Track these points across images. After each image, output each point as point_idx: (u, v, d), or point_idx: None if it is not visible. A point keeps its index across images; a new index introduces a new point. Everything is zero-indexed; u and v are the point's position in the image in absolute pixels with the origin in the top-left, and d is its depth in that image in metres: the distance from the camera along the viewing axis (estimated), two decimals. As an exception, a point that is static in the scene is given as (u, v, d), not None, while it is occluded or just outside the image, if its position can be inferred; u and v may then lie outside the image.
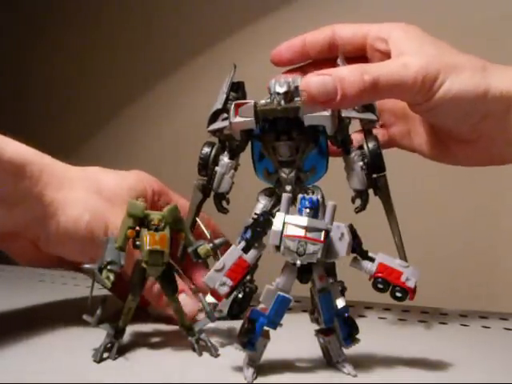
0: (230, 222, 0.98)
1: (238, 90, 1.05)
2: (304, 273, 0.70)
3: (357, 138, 0.95)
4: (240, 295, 0.99)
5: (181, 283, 0.85)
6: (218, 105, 1.04)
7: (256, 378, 0.69)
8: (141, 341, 0.84)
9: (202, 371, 0.73)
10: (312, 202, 0.70)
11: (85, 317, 0.79)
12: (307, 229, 0.68)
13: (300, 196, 0.71)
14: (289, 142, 0.96)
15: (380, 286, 0.71)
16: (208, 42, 1.84)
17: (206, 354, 0.78)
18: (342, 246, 0.70)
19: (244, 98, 1.05)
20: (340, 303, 0.73)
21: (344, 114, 0.97)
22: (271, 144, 0.98)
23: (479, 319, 1.02)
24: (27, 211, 0.84)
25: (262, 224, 0.72)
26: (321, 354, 0.76)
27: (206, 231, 0.83)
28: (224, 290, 0.71)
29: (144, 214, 0.77)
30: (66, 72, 2.18)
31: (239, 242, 0.75)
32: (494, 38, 1.41)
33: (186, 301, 0.87)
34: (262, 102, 0.96)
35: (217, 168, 1.05)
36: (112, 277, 0.79)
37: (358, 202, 0.98)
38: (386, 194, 0.95)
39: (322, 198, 0.98)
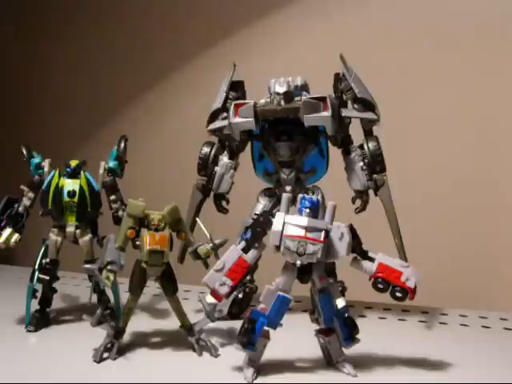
0: (230, 222, 0.98)
1: (237, 89, 1.05)
2: (304, 273, 0.70)
3: None
4: (240, 295, 0.99)
5: None
6: (218, 104, 1.03)
7: (256, 377, 0.69)
8: (141, 341, 0.84)
9: (202, 371, 0.73)
10: (312, 202, 0.70)
11: (85, 317, 0.79)
12: (307, 229, 0.68)
13: (300, 196, 0.71)
14: (289, 143, 0.96)
15: (380, 286, 0.71)
16: (208, 41, 1.84)
17: (206, 354, 0.78)
18: (341, 246, 0.70)
19: (244, 97, 1.05)
20: (340, 303, 0.72)
21: (344, 113, 0.97)
22: (271, 144, 0.98)
23: (479, 319, 1.02)
24: None
25: (262, 224, 0.72)
26: (321, 354, 0.75)
27: (205, 231, 0.83)
28: (224, 289, 0.71)
29: (144, 214, 0.77)
30: (66, 72, 2.19)
31: (239, 242, 0.75)
32: (494, 37, 1.41)
33: None
34: (262, 101, 0.96)
35: (216, 168, 1.05)
36: (112, 277, 0.79)
37: (359, 202, 0.98)
38: (386, 194, 0.95)
39: (322, 198, 0.98)
